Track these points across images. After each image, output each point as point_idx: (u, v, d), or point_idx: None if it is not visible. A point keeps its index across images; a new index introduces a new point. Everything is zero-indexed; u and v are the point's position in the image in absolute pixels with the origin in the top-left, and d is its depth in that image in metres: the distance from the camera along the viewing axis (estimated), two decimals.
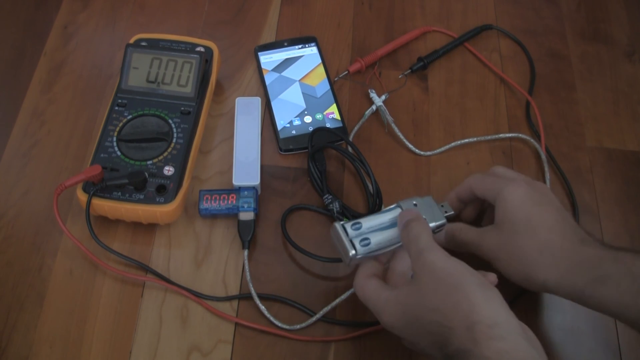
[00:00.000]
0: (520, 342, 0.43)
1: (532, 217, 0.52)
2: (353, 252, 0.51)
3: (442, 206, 0.57)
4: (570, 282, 0.50)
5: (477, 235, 0.55)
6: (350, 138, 0.69)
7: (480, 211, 0.61)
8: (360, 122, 0.70)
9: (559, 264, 0.50)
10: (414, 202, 0.55)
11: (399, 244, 0.53)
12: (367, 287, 0.51)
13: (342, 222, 0.53)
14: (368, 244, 0.52)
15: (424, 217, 0.53)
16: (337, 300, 0.58)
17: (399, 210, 0.54)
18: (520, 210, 0.52)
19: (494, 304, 0.45)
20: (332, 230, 0.54)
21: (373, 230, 0.53)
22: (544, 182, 0.67)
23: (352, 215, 0.62)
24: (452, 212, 0.57)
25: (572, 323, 0.59)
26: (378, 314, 0.50)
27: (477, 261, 0.52)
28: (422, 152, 0.69)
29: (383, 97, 0.71)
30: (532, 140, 0.69)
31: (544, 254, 0.51)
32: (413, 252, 0.49)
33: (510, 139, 0.70)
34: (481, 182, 0.57)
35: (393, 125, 0.69)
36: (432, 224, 0.54)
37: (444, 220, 0.55)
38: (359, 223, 0.53)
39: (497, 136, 0.70)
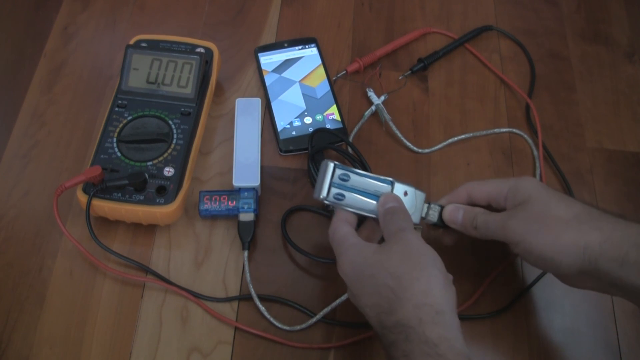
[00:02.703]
0: (460, 338, 0.45)
1: (560, 195, 0.51)
2: (324, 195, 0.54)
3: (428, 206, 0.57)
4: (615, 245, 0.46)
5: (501, 216, 0.53)
6: (350, 139, 0.69)
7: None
8: (360, 123, 0.70)
9: (602, 226, 0.48)
10: (406, 190, 0.55)
11: (367, 214, 0.54)
12: (339, 230, 0.53)
13: (336, 165, 0.54)
14: (340, 200, 0.54)
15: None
16: (337, 301, 0.58)
17: (387, 188, 0.55)
18: (545, 190, 0.52)
19: (448, 297, 0.47)
20: (323, 163, 0.55)
21: (354, 189, 0.54)
22: (542, 180, 0.67)
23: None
24: (434, 220, 0.57)
25: (572, 324, 0.59)
26: (338, 256, 0.51)
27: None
28: (419, 150, 0.68)
29: (382, 97, 0.71)
30: (526, 135, 0.69)
31: (583, 219, 0.48)
32: (394, 227, 0.51)
33: (510, 136, 0.70)
34: (483, 187, 0.56)
35: (391, 123, 0.69)
36: None
37: (416, 224, 0.56)
38: (348, 177, 0.54)
39: (492, 131, 0.70)
